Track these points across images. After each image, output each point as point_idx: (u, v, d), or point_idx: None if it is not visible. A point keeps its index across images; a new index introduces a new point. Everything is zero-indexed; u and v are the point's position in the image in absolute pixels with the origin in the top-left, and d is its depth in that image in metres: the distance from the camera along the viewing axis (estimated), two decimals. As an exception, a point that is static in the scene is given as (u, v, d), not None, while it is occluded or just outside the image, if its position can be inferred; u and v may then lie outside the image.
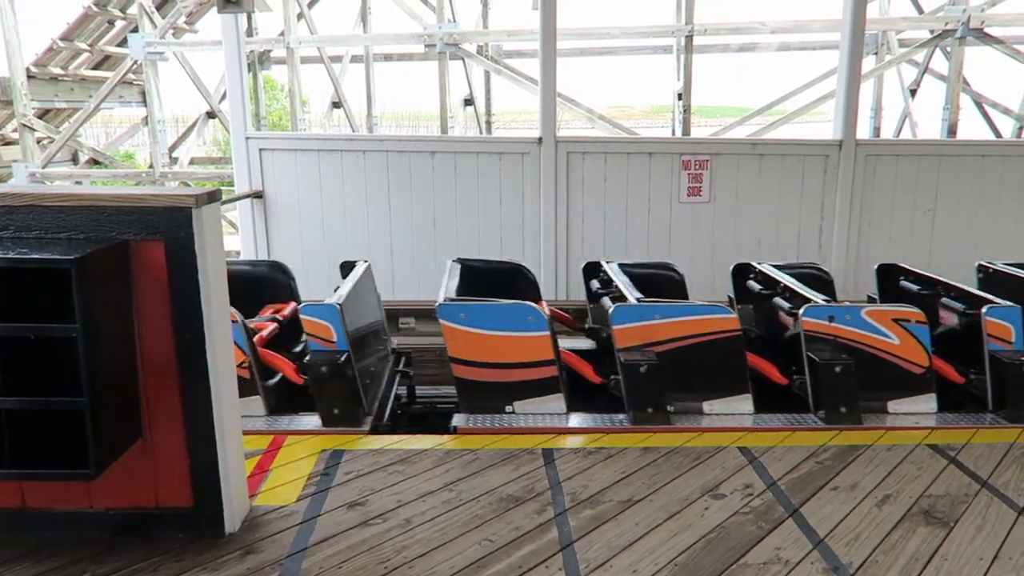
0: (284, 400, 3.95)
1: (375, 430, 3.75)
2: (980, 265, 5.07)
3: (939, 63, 11.48)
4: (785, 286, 4.47)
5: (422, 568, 2.44)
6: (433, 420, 4.53)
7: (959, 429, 3.65)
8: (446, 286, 4.30)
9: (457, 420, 3.76)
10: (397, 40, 12.17)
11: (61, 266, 2.08)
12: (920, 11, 11.49)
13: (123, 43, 12.04)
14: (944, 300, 4.41)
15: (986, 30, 9.88)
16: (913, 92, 11.87)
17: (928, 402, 3.89)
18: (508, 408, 3.82)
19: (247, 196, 6.97)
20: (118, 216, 2.30)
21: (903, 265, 5.06)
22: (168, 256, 2.35)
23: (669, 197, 6.94)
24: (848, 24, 6.81)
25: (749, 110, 12.07)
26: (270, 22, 17.69)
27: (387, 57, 13.41)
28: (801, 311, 3.90)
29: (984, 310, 3.95)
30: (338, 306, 3.74)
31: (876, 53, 11.75)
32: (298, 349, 4.52)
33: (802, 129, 13.14)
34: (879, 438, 3.49)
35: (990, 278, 4.93)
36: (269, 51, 12.47)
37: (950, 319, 4.33)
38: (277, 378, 4.03)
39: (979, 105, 11.43)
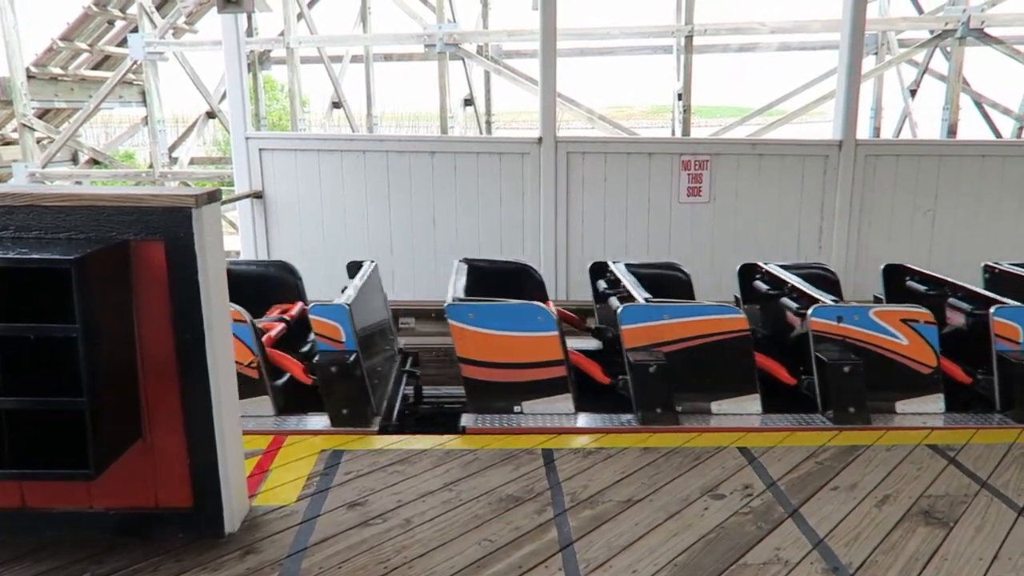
0: (292, 400, 3.96)
1: (384, 430, 3.75)
2: (986, 265, 5.04)
3: (939, 63, 11.49)
4: (792, 286, 4.46)
5: (422, 568, 2.44)
6: (441, 420, 4.53)
7: (959, 429, 3.65)
8: (454, 286, 4.29)
9: (466, 420, 3.77)
10: (397, 40, 12.17)
11: (61, 266, 2.08)
12: (920, 11, 11.50)
13: (123, 43, 12.04)
14: (951, 300, 4.40)
15: (986, 30, 9.89)
16: (913, 92, 11.87)
17: (936, 402, 3.89)
18: (517, 408, 3.83)
19: (247, 196, 6.96)
20: (118, 216, 2.30)
21: (910, 265, 5.04)
22: (168, 256, 2.35)
23: (669, 197, 6.93)
24: (848, 24, 6.81)
25: (749, 110, 12.08)
26: (270, 22, 17.72)
27: (387, 57, 13.42)
28: (809, 311, 3.89)
29: (992, 310, 3.94)
30: (347, 306, 3.75)
31: (876, 53, 11.75)
32: (305, 349, 4.52)
33: (802, 129, 13.16)
34: (879, 438, 3.48)
35: (996, 278, 4.90)
36: (269, 51, 12.48)
37: (957, 319, 4.31)
38: (285, 378, 4.03)
39: (979, 105, 11.44)
